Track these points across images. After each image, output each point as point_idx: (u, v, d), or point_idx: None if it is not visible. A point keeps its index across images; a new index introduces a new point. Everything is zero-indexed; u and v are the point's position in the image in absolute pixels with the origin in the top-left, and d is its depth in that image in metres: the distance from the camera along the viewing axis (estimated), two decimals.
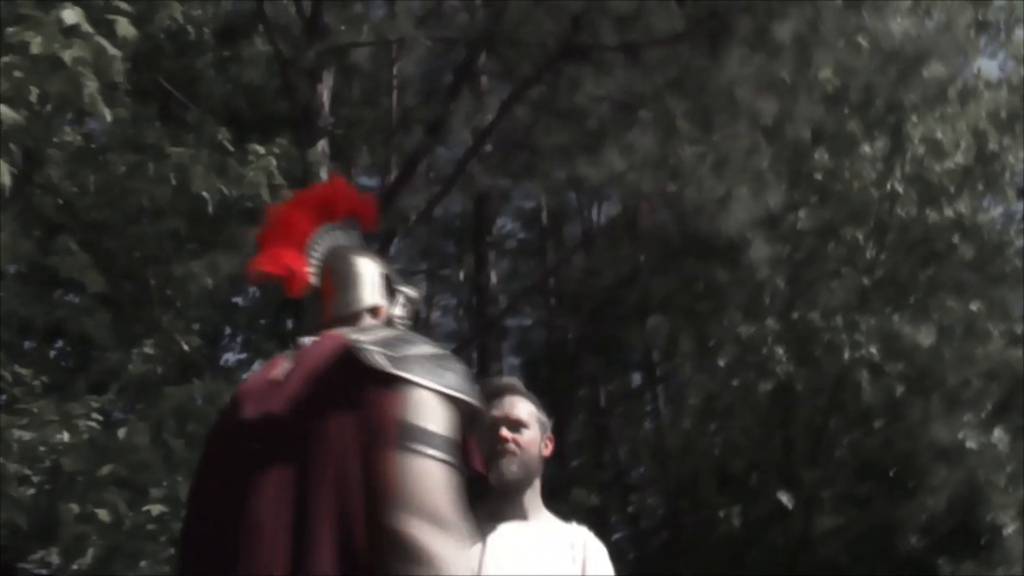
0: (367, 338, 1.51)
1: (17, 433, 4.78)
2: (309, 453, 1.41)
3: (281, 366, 1.61)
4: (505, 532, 2.31)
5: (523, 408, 2.38)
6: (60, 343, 6.93)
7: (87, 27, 3.73)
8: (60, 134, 6.92)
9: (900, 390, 8.75)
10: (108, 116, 3.83)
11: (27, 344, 4.98)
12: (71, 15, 3.63)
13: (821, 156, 9.14)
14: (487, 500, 2.39)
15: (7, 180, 3.29)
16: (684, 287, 9.85)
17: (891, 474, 9.07)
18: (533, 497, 2.38)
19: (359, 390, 1.44)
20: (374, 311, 1.76)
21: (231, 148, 8.04)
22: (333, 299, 1.75)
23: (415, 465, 1.36)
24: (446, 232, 13.77)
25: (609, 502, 11.36)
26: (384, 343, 1.49)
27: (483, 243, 11.86)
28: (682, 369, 11.17)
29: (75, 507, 5.07)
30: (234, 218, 9.20)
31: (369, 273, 1.77)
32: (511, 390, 2.44)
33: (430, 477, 1.36)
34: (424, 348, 1.51)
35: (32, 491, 5.09)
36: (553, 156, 6.34)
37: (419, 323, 1.93)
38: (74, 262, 4.53)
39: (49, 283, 5.87)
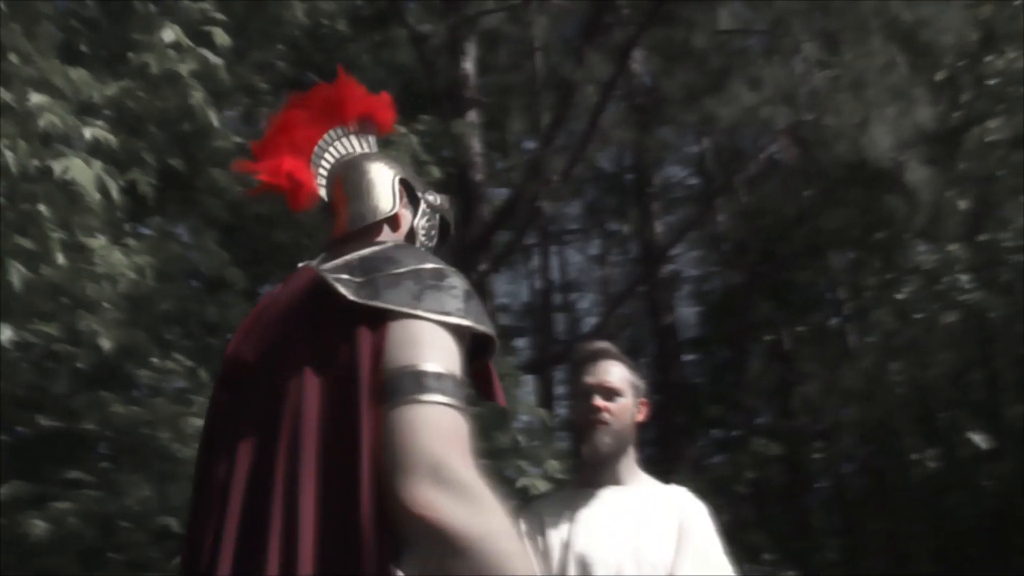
0: (338, 261, 1.30)
1: (190, 420, 5.22)
2: (274, 410, 1.22)
3: (267, 301, 1.43)
4: (598, 499, 2.29)
5: (616, 374, 2.33)
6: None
7: (186, 41, 3.99)
8: (214, 140, 7.47)
9: None
10: (216, 121, 4.07)
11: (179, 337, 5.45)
12: (170, 33, 3.89)
13: (1000, 59, 8.20)
14: (581, 468, 2.38)
15: (112, 188, 3.60)
16: (857, 218, 9.23)
17: None
18: (628, 462, 2.34)
19: (330, 328, 1.22)
20: (392, 221, 1.54)
21: None
22: (345, 212, 1.52)
23: (408, 417, 1.11)
24: (610, 188, 13.63)
25: (799, 450, 10.93)
26: (357, 265, 1.27)
27: (645, 195, 11.64)
28: (868, 305, 10.53)
29: None
30: None
31: (384, 179, 1.54)
32: (604, 355, 2.38)
33: (428, 429, 1.11)
34: (411, 264, 1.26)
35: None
36: (681, 100, 6.08)
37: (449, 232, 1.68)
38: (214, 259, 4.85)
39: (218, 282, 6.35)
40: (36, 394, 5.31)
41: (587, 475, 2.34)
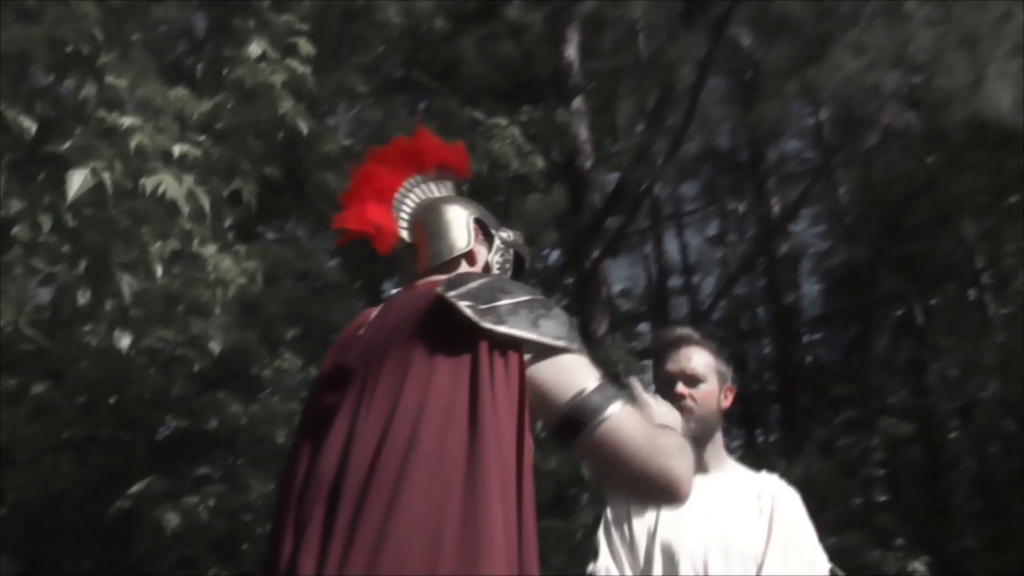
0: (461, 289, 1.42)
1: None
2: (382, 414, 1.33)
3: (367, 318, 1.57)
4: None
5: (699, 360, 2.28)
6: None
7: (273, 53, 4.13)
8: (322, 144, 7.72)
9: None
10: (304, 128, 4.20)
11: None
12: (256, 48, 4.04)
13: None
14: None
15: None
16: (988, 182, 8.65)
17: None
18: (714, 450, 2.29)
19: (450, 344, 1.37)
20: (468, 257, 1.69)
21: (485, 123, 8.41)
22: (425, 250, 1.69)
23: (615, 431, 1.36)
24: (727, 166, 13.27)
25: (936, 430, 10.37)
26: (476, 293, 1.41)
27: (760, 171, 11.29)
28: (1006, 274, 9.88)
29: None
30: (499, 190, 9.65)
31: (459, 219, 1.70)
32: (687, 341, 2.34)
33: (635, 430, 1.38)
34: (522, 296, 1.43)
35: None
36: (783, 71, 5.83)
37: (523, 267, 1.83)
38: (313, 261, 5.02)
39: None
40: (163, 397, 5.65)
41: None
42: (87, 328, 4.73)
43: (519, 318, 1.38)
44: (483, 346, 1.35)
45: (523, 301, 1.41)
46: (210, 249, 4.95)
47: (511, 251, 1.77)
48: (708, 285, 16.57)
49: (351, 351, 1.49)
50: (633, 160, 9.26)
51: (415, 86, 9.68)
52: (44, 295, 6.04)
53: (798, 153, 12.96)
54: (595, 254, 9.48)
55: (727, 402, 2.32)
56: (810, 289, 13.29)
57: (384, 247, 1.72)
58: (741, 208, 12.46)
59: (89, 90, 3.47)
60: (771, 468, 2.39)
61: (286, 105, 4.10)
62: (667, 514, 2.20)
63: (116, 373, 4.72)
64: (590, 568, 2.26)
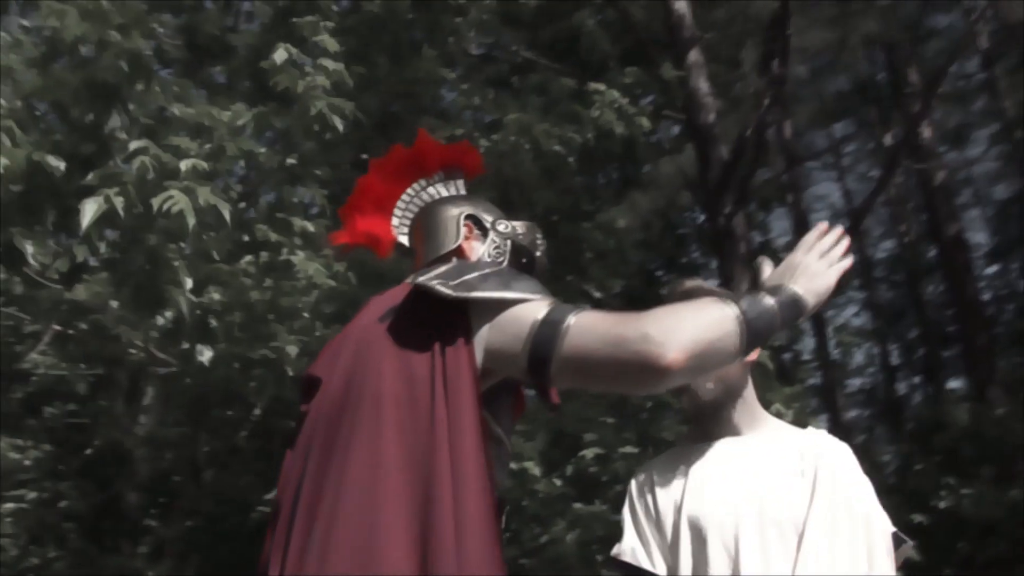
0: (430, 273, 1.46)
1: None
2: (360, 410, 1.35)
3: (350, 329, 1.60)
4: (713, 454, 2.05)
5: None
6: None
7: (301, 57, 4.14)
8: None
9: None
10: (340, 125, 4.18)
11: None
12: (281, 54, 4.06)
13: None
14: (693, 421, 2.16)
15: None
16: None
17: None
18: (745, 408, 2.06)
19: (431, 324, 1.40)
20: (458, 254, 1.71)
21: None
22: (422, 251, 1.74)
23: (578, 333, 1.32)
24: (871, 100, 12.28)
25: None
26: (445, 274, 1.44)
27: (901, 97, 10.36)
28: None
29: None
30: (615, 158, 9.36)
31: (450, 217, 1.74)
32: (698, 293, 2.15)
33: (594, 328, 1.33)
34: (491, 268, 1.46)
35: None
36: None
37: (532, 256, 1.79)
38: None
39: None
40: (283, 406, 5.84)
41: (699, 428, 2.08)
42: (184, 346, 4.94)
43: (489, 284, 1.39)
44: (460, 317, 1.38)
45: (493, 272, 1.43)
46: (299, 256, 5.06)
47: (508, 242, 1.76)
48: (876, 228, 15.50)
49: (323, 357, 1.52)
50: (751, 106, 8.72)
51: (524, 65, 9.52)
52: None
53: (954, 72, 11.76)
54: (727, 209, 9.02)
55: (752, 356, 2.07)
56: (978, 218, 12.08)
57: (384, 253, 1.79)
58: (887, 140, 11.48)
59: (115, 122, 3.61)
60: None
61: (319, 104, 4.10)
62: (695, 484, 1.98)
63: (215, 385, 4.90)
64: (615, 550, 2.07)
